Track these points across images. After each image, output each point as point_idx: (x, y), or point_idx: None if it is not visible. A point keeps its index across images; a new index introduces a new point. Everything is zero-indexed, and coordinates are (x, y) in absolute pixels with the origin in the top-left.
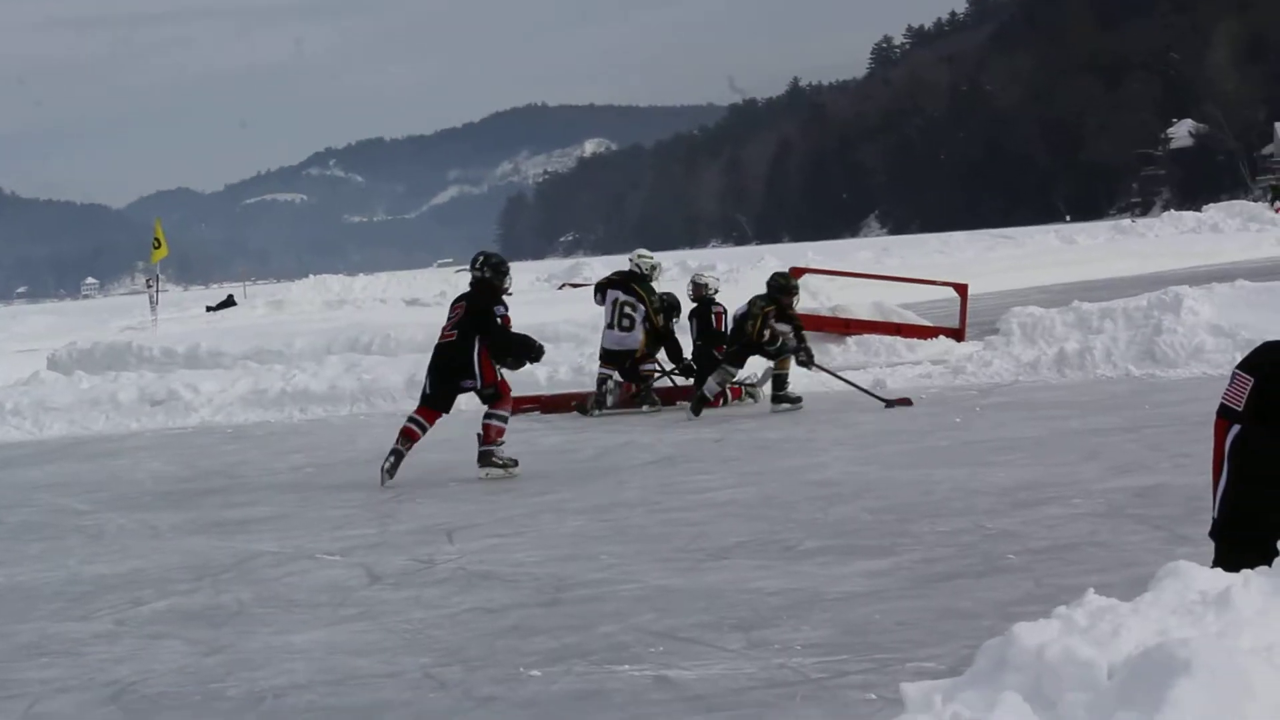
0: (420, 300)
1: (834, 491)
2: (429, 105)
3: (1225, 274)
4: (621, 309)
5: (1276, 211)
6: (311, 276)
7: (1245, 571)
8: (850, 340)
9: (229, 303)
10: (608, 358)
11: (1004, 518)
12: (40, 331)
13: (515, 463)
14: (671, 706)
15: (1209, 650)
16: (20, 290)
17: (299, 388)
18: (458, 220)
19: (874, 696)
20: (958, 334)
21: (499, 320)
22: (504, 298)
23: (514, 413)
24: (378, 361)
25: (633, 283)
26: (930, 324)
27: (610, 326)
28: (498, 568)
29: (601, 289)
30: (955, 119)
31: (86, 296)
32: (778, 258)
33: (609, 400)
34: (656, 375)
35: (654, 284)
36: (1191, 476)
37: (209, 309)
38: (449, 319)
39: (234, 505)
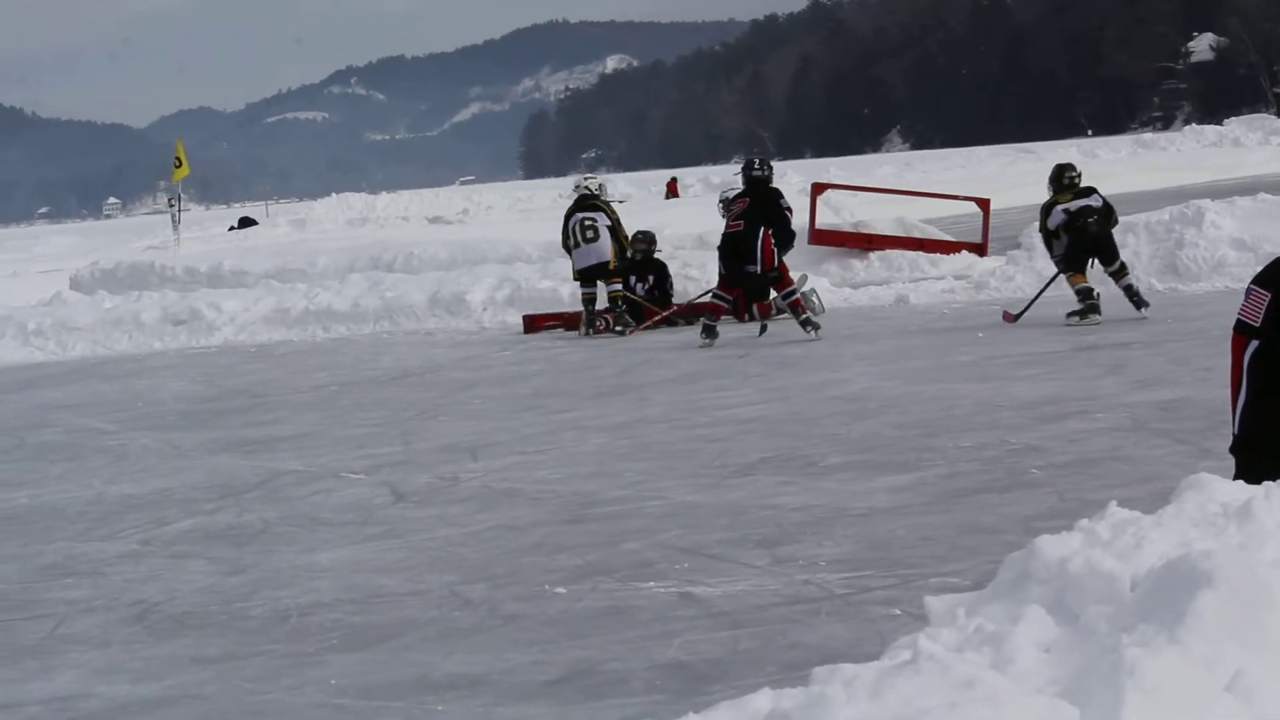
0: (443, 218)
1: (857, 407)
2: (450, 22)
3: (1247, 188)
4: (582, 224)
5: None
6: (334, 195)
7: (1267, 484)
8: (873, 256)
9: (248, 222)
10: (585, 276)
11: (1027, 432)
12: (62, 252)
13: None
14: (696, 623)
15: (1231, 562)
16: (42, 211)
17: (322, 306)
18: (480, 137)
19: (898, 612)
20: (980, 249)
21: (784, 211)
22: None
23: (536, 330)
24: (400, 279)
25: (587, 203)
26: (953, 239)
27: (576, 245)
28: (522, 485)
29: (567, 219)
30: (976, 34)
31: (108, 216)
32: (800, 173)
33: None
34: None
35: (609, 200)
36: (1214, 390)
37: (231, 229)
38: (732, 212)
39: (258, 424)
